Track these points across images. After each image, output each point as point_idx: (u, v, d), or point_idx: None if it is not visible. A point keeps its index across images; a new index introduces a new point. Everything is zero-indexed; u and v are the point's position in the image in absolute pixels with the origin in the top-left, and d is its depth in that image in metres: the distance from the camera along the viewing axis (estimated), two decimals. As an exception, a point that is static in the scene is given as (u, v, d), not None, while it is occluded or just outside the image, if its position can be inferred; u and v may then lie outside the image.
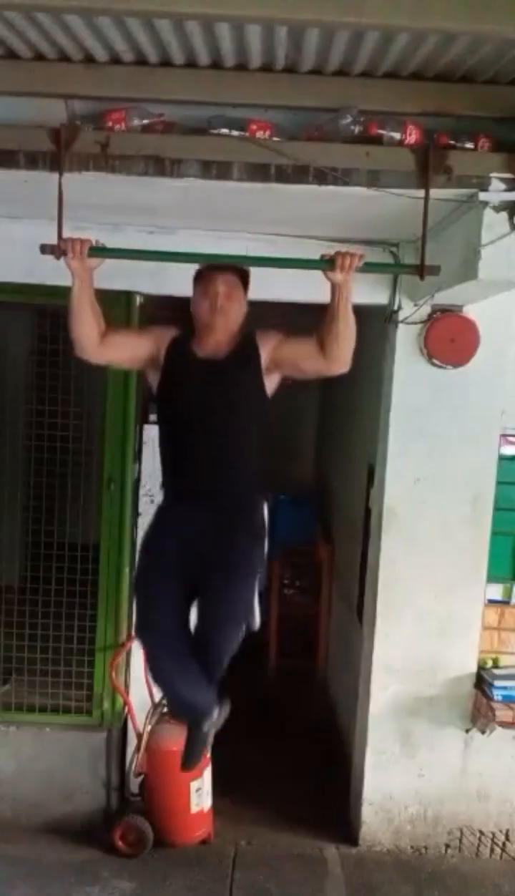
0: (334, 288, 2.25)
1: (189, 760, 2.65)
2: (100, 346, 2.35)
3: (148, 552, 2.56)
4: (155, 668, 2.58)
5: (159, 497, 2.64)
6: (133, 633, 3.38)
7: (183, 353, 2.43)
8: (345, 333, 2.29)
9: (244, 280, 2.45)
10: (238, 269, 2.46)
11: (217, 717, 2.57)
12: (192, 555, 2.39)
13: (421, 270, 2.29)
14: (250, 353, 2.41)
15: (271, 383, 2.45)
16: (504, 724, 3.07)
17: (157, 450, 2.59)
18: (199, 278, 2.44)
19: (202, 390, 2.39)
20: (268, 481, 2.52)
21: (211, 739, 2.64)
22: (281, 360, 2.41)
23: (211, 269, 2.44)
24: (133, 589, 2.65)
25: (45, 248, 2.21)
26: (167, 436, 2.51)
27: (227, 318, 2.40)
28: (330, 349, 2.31)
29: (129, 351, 2.47)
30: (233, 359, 2.42)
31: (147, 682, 3.19)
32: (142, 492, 3.38)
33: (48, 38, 2.17)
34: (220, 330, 2.40)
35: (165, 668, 2.51)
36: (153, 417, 3.11)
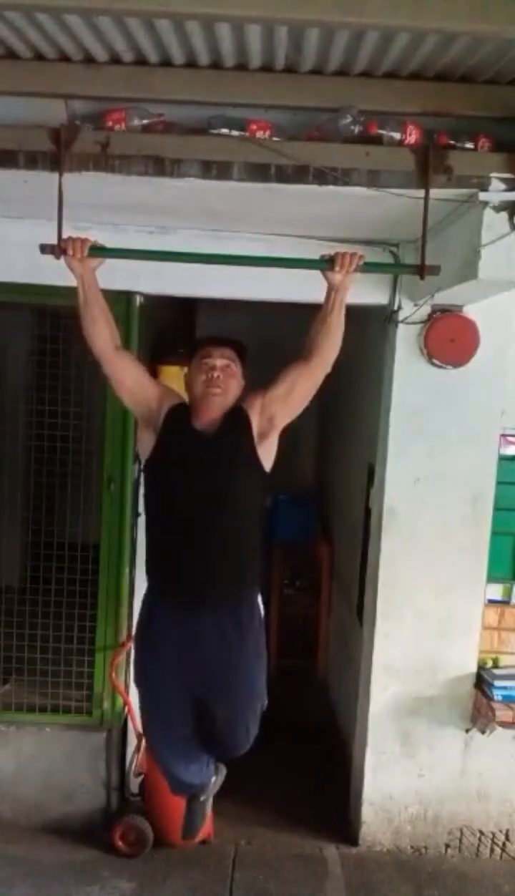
0: (331, 288, 2.25)
1: (190, 830, 2.75)
2: (114, 352, 2.32)
3: (144, 654, 2.47)
4: (155, 753, 2.60)
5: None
6: (133, 632, 3.38)
7: (181, 423, 2.37)
8: (335, 333, 2.28)
9: (241, 354, 2.42)
10: (235, 344, 2.43)
11: (213, 785, 2.69)
12: (192, 664, 2.33)
13: (421, 270, 2.29)
14: (240, 425, 2.35)
15: (269, 450, 2.39)
16: (504, 724, 3.07)
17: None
18: (196, 351, 2.41)
19: (196, 464, 2.32)
20: (260, 573, 2.50)
21: (209, 808, 2.77)
22: (275, 405, 2.35)
23: (208, 343, 2.41)
24: (135, 681, 2.60)
25: (45, 248, 2.22)
26: (156, 520, 2.43)
27: (225, 395, 2.35)
28: (315, 348, 2.29)
29: (136, 383, 2.38)
30: (225, 430, 2.35)
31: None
32: (142, 492, 3.38)
33: (48, 38, 2.17)
34: (217, 408, 2.35)
35: (166, 755, 2.53)
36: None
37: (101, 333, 2.29)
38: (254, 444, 2.35)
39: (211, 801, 2.72)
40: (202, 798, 2.66)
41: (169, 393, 2.44)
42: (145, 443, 2.41)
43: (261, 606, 2.46)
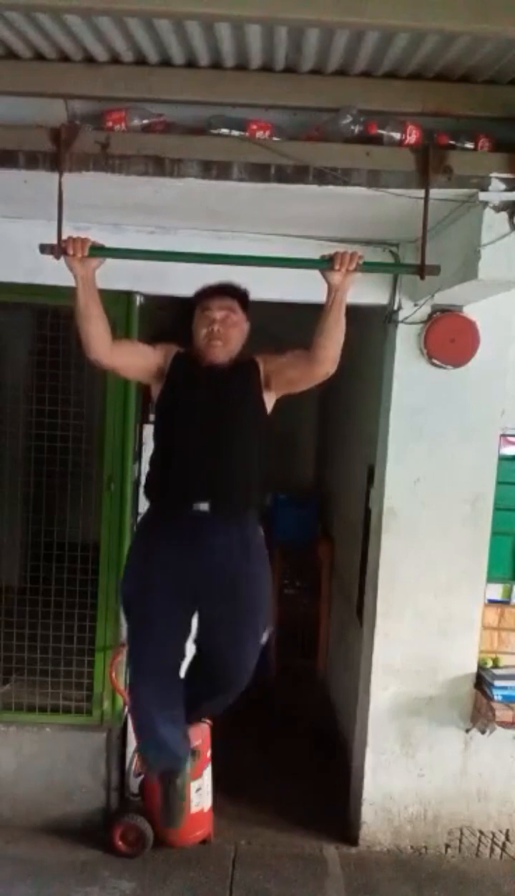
0: (331, 289, 2.25)
1: (172, 818, 2.62)
2: (111, 349, 2.34)
3: (142, 563, 2.43)
4: (141, 702, 2.47)
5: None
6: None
7: (186, 363, 2.46)
8: (336, 334, 2.29)
9: (243, 302, 2.46)
10: (237, 291, 2.46)
11: (187, 772, 2.58)
12: (195, 573, 2.33)
13: (421, 270, 2.29)
14: (250, 369, 2.44)
15: (269, 401, 2.46)
16: (504, 724, 3.07)
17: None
18: (198, 302, 2.45)
19: (203, 393, 2.39)
20: (263, 500, 2.53)
21: (185, 793, 2.60)
22: (272, 372, 2.42)
23: (209, 293, 2.44)
24: (122, 598, 2.52)
25: (45, 248, 2.22)
26: (165, 443, 2.47)
27: (226, 343, 2.41)
28: (317, 349, 2.31)
29: (139, 358, 2.47)
30: (234, 372, 2.44)
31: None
32: (142, 492, 3.38)
33: (48, 38, 2.17)
34: (219, 355, 2.41)
35: (152, 702, 2.43)
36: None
37: (100, 335, 2.30)
38: (261, 385, 2.43)
39: (185, 788, 2.58)
40: (178, 782, 2.53)
41: (170, 346, 2.50)
42: (156, 389, 2.48)
43: (263, 537, 2.48)
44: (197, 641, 2.48)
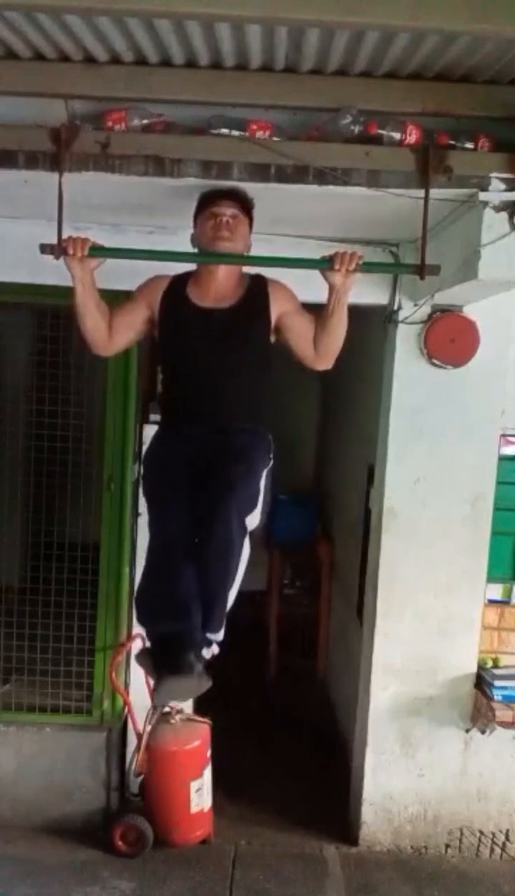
0: (332, 289, 2.25)
1: (164, 680, 2.21)
2: (110, 340, 2.38)
3: (152, 465, 2.49)
4: (158, 562, 2.32)
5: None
6: (133, 632, 3.39)
7: (179, 304, 2.36)
8: (337, 335, 2.31)
9: (248, 210, 2.37)
10: (242, 196, 2.36)
11: (198, 672, 2.23)
12: (198, 463, 2.32)
13: (421, 270, 2.29)
14: (260, 306, 2.36)
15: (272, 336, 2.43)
16: (504, 724, 3.07)
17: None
18: (201, 206, 2.35)
19: (203, 342, 2.33)
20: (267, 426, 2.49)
21: (191, 683, 2.24)
22: (283, 328, 2.38)
23: (215, 196, 2.34)
24: (143, 488, 2.51)
25: (45, 248, 2.21)
26: (171, 381, 2.51)
27: (233, 237, 2.30)
28: (318, 347, 2.34)
29: (134, 328, 2.43)
30: (242, 309, 2.36)
31: (147, 682, 3.18)
32: (142, 492, 3.38)
33: (48, 38, 2.17)
34: (227, 248, 2.30)
35: (170, 556, 2.27)
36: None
37: (101, 333, 2.33)
38: (270, 325, 2.37)
39: (198, 672, 2.23)
40: (190, 657, 2.19)
41: (151, 286, 2.41)
42: (155, 331, 2.44)
43: (270, 441, 2.46)
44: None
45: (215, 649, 2.36)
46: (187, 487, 2.33)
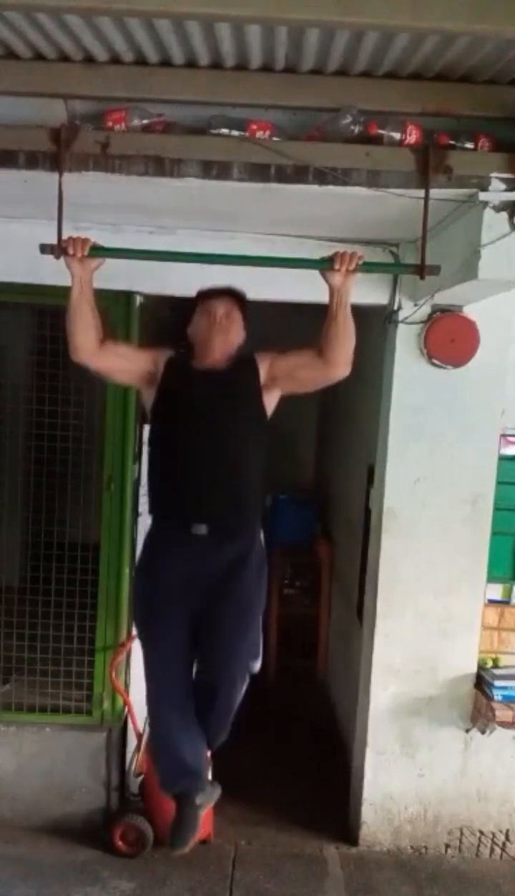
0: (332, 290, 2.24)
1: (180, 839, 2.39)
2: (98, 351, 2.33)
3: (147, 584, 2.45)
4: (158, 718, 2.47)
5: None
6: (133, 632, 3.39)
7: (181, 367, 2.41)
8: (344, 337, 2.26)
9: (242, 305, 2.45)
10: (236, 293, 2.46)
11: (209, 794, 2.50)
12: (197, 587, 2.34)
13: (421, 270, 2.29)
14: (249, 369, 2.40)
15: (270, 401, 2.42)
16: (504, 724, 3.07)
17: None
18: (198, 303, 2.44)
19: (200, 398, 2.35)
20: (263, 507, 2.51)
21: (200, 817, 2.46)
22: (279, 374, 2.39)
23: (210, 294, 2.44)
24: (135, 622, 2.57)
25: (45, 248, 2.21)
26: (161, 453, 2.44)
27: (226, 336, 2.39)
28: (328, 353, 2.28)
29: (127, 361, 2.43)
30: (233, 372, 2.40)
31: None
32: (142, 492, 3.38)
33: (48, 38, 2.17)
34: (219, 349, 2.38)
35: (170, 719, 2.43)
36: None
37: (86, 336, 2.29)
38: (260, 386, 2.39)
39: (202, 811, 2.48)
40: (197, 801, 2.43)
41: (162, 349, 2.46)
42: (148, 395, 2.44)
43: (263, 544, 2.47)
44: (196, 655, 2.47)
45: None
46: (185, 622, 2.36)
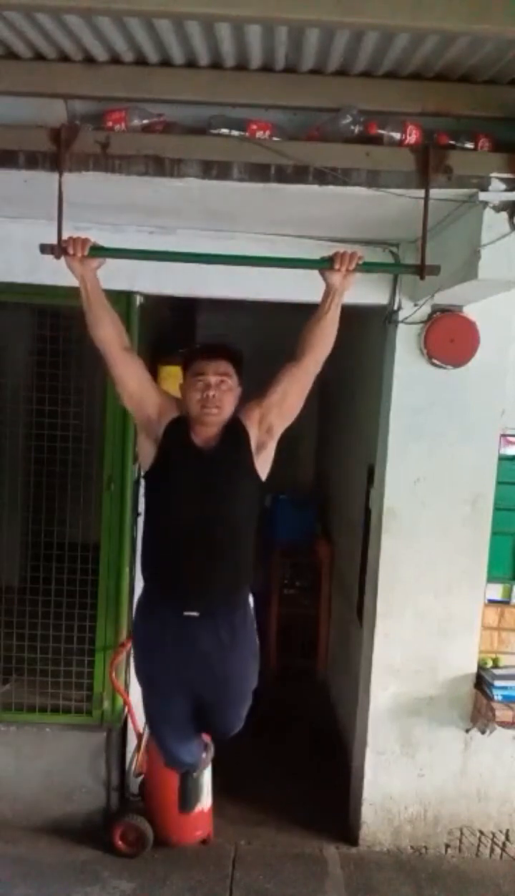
0: (330, 289, 2.23)
1: (187, 804, 2.91)
2: (122, 353, 2.28)
3: (142, 654, 2.50)
4: (157, 737, 2.67)
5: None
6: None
7: (180, 436, 2.33)
8: (329, 335, 2.26)
9: (237, 363, 2.35)
10: (229, 353, 2.35)
11: (204, 761, 2.87)
12: (189, 663, 2.36)
13: (421, 270, 2.29)
14: (240, 439, 2.32)
15: (265, 462, 2.37)
16: (504, 724, 3.07)
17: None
18: (190, 364, 2.33)
19: (195, 478, 2.30)
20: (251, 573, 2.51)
21: (203, 783, 2.97)
22: (269, 409, 2.32)
23: (202, 354, 2.34)
24: (137, 676, 2.63)
25: (45, 248, 2.21)
26: (157, 526, 2.42)
27: (221, 411, 2.29)
28: (306, 350, 2.26)
29: (140, 386, 2.33)
30: (224, 446, 2.32)
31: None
32: (142, 492, 3.38)
33: (48, 38, 2.17)
34: (213, 424, 2.31)
35: (168, 740, 2.61)
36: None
37: (107, 334, 2.26)
38: (253, 458, 2.33)
39: (203, 777, 2.96)
40: (195, 774, 2.84)
41: (169, 403, 2.37)
42: (145, 452, 2.38)
43: (252, 606, 2.49)
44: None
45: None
46: (183, 688, 2.43)
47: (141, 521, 3.29)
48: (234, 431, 2.33)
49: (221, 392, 2.28)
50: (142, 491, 3.37)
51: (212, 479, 2.30)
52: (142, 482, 2.56)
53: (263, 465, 2.37)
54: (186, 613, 2.32)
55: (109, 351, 2.27)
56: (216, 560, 2.32)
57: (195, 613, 2.32)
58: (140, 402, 2.35)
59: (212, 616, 2.34)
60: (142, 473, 2.47)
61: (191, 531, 2.31)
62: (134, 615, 2.59)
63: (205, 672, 2.38)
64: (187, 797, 2.89)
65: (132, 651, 2.68)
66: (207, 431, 2.33)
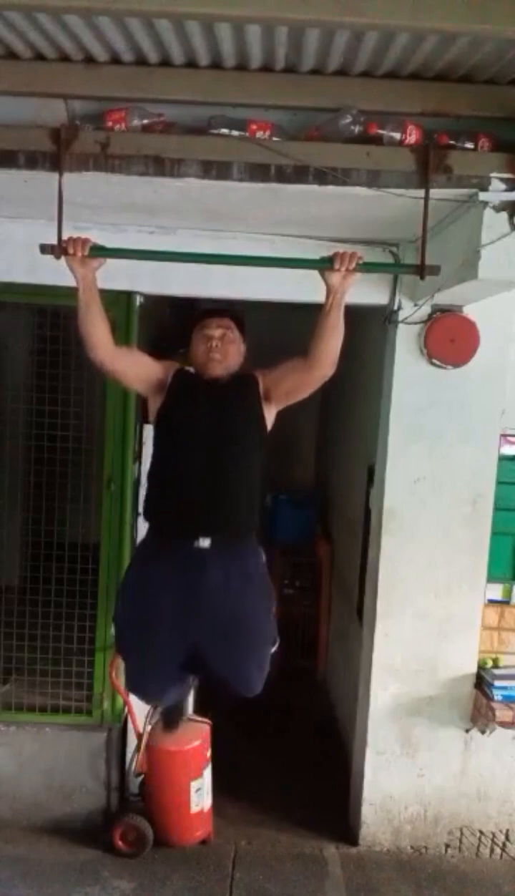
0: (330, 290, 2.24)
1: (171, 723, 2.99)
2: (115, 350, 2.35)
3: (135, 603, 2.41)
4: (135, 687, 2.61)
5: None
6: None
7: (188, 378, 2.47)
8: (333, 336, 2.27)
9: (239, 322, 2.49)
10: (233, 313, 2.50)
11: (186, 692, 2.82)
12: (193, 608, 2.31)
13: (421, 270, 2.29)
14: (250, 384, 2.44)
15: (269, 417, 2.45)
16: (504, 724, 3.07)
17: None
18: (196, 323, 2.48)
19: (205, 412, 2.39)
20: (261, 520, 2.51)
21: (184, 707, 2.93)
22: (271, 385, 2.42)
23: (206, 314, 2.49)
24: (115, 632, 2.55)
25: (45, 248, 2.21)
26: (165, 464, 2.45)
27: (224, 358, 2.42)
28: (314, 351, 2.29)
29: (141, 367, 2.46)
30: (234, 387, 2.44)
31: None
32: (142, 492, 3.38)
33: (48, 38, 2.17)
34: (218, 369, 2.42)
35: (148, 689, 2.57)
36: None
37: (102, 336, 2.29)
38: (261, 405, 2.43)
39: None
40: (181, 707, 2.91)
41: (172, 363, 2.52)
42: (155, 404, 2.48)
43: (263, 553, 2.50)
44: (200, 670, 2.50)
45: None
46: (170, 642, 2.34)
47: (141, 520, 3.29)
48: (245, 381, 2.45)
49: (224, 343, 2.44)
50: (142, 491, 3.40)
51: (220, 412, 2.39)
52: (153, 431, 2.56)
53: (268, 417, 2.45)
54: (197, 544, 2.31)
55: (104, 353, 2.31)
56: (226, 488, 2.34)
57: (206, 543, 2.31)
58: (146, 380, 2.47)
59: (224, 548, 2.33)
60: (153, 421, 2.51)
61: (202, 463, 2.34)
62: (130, 563, 2.54)
63: (213, 612, 2.31)
64: (170, 717, 2.94)
65: (120, 602, 2.50)
66: (215, 374, 2.43)
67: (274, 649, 2.50)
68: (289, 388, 2.41)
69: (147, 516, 2.50)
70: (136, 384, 2.51)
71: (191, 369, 2.49)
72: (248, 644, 2.41)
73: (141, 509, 2.60)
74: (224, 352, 2.43)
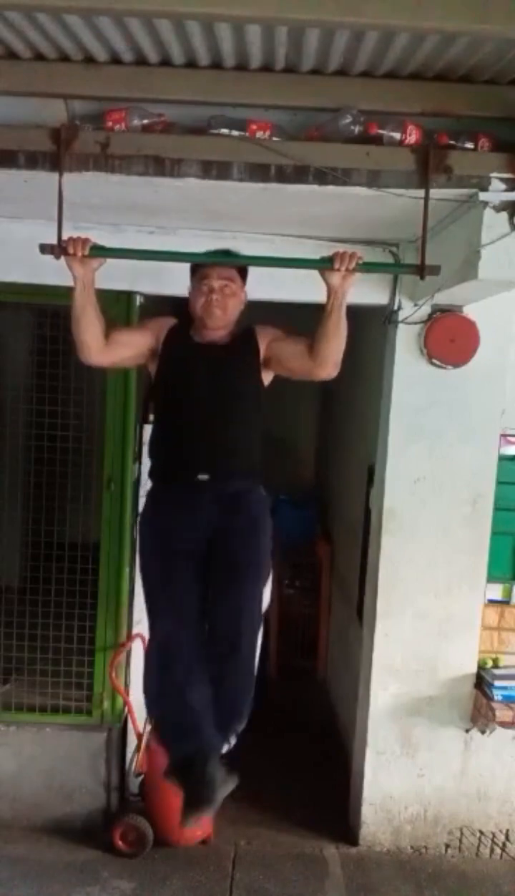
0: (330, 290, 2.23)
1: (194, 806, 2.13)
2: (105, 348, 2.33)
3: (153, 538, 2.42)
4: (162, 671, 2.20)
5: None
6: (133, 632, 3.39)
7: (181, 339, 2.43)
8: (335, 337, 2.25)
9: (242, 272, 2.44)
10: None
11: (223, 778, 2.19)
12: (202, 541, 2.33)
13: (421, 270, 2.28)
14: (248, 344, 2.42)
15: (267, 376, 2.46)
16: (504, 724, 3.07)
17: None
18: (196, 272, 2.42)
19: (200, 372, 2.38)
20: (264, 475, 2.49)
21: (217, 794, 2.15)
22: (273, 356, 2.41)
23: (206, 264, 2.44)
24: (142, 578, 2.45)
25: (45, 248, 2.21)
26: (164, 420, 2.48)
27: (224, 313, 2.39)
28: (317, 351, 2.28)
29: (133, 348, 2.45)
30: (232, 346, 2.42)
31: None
32: (142, 492, 3.38)
33: (48, 38, 2.17)
34: (216, 325, 2.40)
35: (176, 673, 2.17)
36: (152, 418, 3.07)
37: (93, 340, 2.29)
38: (259, 362, 2.41)
39: (220, 790, 2.16)
40: (208, 767, 2.12)
41: (160, 322, 2.47)
42: (152, 367, 2.46)
43: (267, 499, 2.50)
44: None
45: (234, 740, 2.32)
46: (192, 569, 2.33)
47: (139, 525, 3.28)
48: (245, 343, 2.42)
49: (224, 296, 2.37)
50: (142, 491, 3.40)
51: (218, 378, 2.37)
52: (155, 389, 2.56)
53: (265, 377, 2.44)
54: (200, 477, 2.33)
55: (94, 356, 2.33)
56: (227, 430, 2.36)
57: (205, 476, 2.33)
58: (142, 356, 2.46)
59: (227, 479, 2.36)
60: (153, 382, 2.50)
61: (199, 413, 2.35)
62: (141, 512, 2.55)
63: (216, 533, 2.32)
64: (196, 799, 2.12)
65: (140, 551, 2.48)
66: (212, 334, 2.41)
67: (266, 600, 2.41)
68: (290, 369, 2.41)
69: (150, 472, 2.52)
70: (133, 363, 2.55)
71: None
72: (247, 572, 2.33)
73: (146, 454, 2.62)
74: (223, 305, 2.37)
